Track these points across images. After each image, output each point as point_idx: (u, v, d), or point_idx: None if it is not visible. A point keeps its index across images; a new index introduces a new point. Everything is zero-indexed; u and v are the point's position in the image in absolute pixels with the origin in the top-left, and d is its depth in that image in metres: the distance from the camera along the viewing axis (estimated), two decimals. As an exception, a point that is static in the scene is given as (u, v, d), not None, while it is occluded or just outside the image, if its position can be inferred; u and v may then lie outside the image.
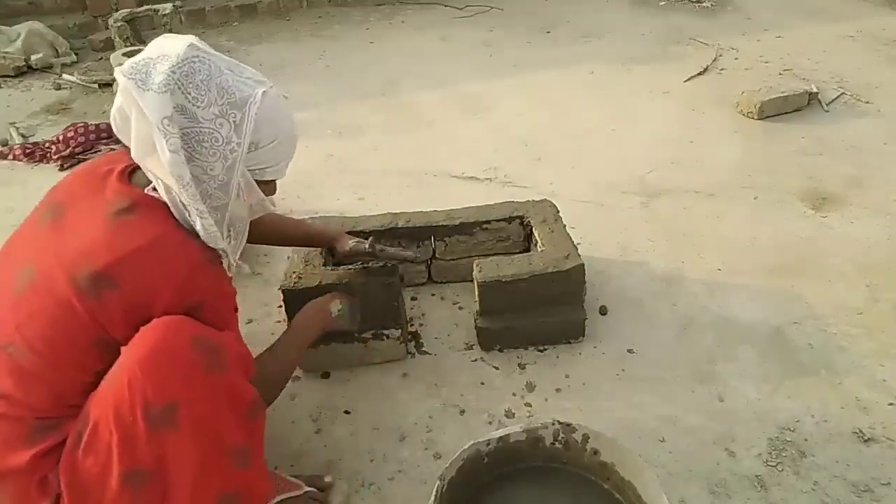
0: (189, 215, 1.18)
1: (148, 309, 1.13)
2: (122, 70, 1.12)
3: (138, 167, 1.22)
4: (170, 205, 1.19)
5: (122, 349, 1.11)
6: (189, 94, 1.11)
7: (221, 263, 1.25)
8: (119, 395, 1.07)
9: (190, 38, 1.16)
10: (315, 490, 1.50)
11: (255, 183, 1.24)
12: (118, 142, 1.23)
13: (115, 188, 1.19)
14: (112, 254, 1.11)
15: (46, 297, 1.12)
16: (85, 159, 2.93)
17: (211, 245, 1.21)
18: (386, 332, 1.84)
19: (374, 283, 1.79)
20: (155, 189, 1.19)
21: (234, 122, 1.15)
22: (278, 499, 1.45)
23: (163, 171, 1.13)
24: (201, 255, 1.19)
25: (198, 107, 1.12)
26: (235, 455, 1.18)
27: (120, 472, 1.08)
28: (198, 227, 1.18)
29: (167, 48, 1.14)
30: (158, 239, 1.15)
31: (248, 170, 1.21)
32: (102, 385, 1.11)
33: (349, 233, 2.02)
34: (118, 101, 1.15)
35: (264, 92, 1.18)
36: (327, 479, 1.53)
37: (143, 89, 1.09)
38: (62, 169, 2.98)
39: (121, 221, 1.14)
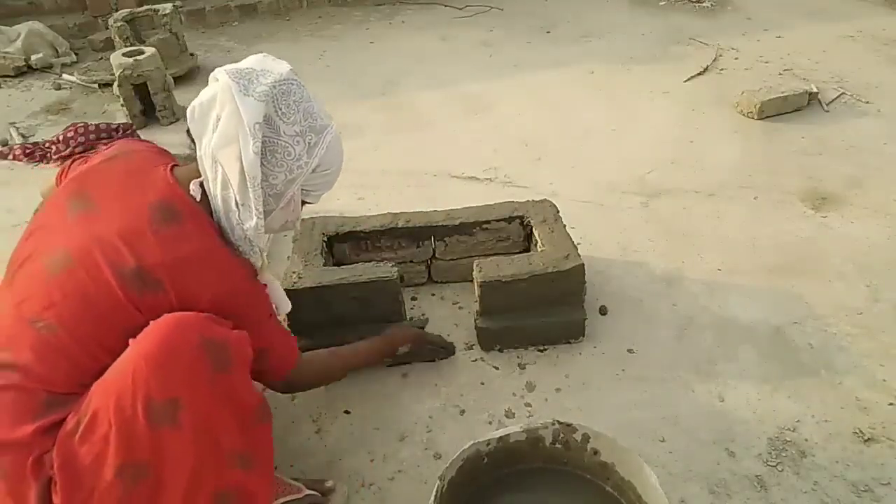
0: (238, 215, 1.25)
1: (190, 311, 1.17)
2: (227, 71, 1.26)
3: (175, 165, 1.32)
4: (215, 204, 1.27)
5: (131, 341, 1.12)
6: (280, 109, 1.25)
7: (258, 280, 1.34)
8: (122, 388, 1.08)
9: (287, 64, 1.33)
10: (316, 494, 1.50)
11: (300, 200, 1.37)
12: (143, 141, 1.27)
13: (161, 185, 1.26)
14: (161, 256, 1.17)
15: (85, 279, 1.15)
16: (85, 159, 2.93)
17: (254, 242, 1.29)
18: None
19: (373, 282, 1.79)
20: (201, 185, 1.27)
21: (310, 143, 1.30)
22: (278, 502, 1.45)
23: (232, 166, 1.22)
24: (244, 273, 1.29)
25: (283, 122, 1.26)
26: (234, 457, 1.18)
27: (115, 464, 1.08)
28: (247, 226, 1.26)
29: (270, 66, 1.30)
30: (207, 251, 1.23)
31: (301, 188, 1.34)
32: (107, 375, 1.12)
33: (349, 232, 2.03)
34: (204, 97, 1.26)
35: (334, 126, 1.36)
36: (328, 483, 1.53)
37: (244, 94, 1.22)
38: (62, 169, 2.98)
39: (169, 225, 1.21)
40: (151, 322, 1.13)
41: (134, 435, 1.08)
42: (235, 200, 1.25)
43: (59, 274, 1.17)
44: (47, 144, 3.17)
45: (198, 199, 1.27)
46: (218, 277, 1.23)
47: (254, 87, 1.23)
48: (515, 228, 2.10)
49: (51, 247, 1.21)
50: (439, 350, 1.89)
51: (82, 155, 1.40)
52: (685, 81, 3.65)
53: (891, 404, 1.72)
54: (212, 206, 1.28)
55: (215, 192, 1.26)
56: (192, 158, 1.31)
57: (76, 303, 1.15)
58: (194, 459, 1.13)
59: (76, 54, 4.42)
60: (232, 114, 1.22)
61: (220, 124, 1.23)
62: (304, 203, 1.41)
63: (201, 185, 1.28)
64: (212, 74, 1.29)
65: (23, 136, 3.40)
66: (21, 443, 1.10)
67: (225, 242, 1.28)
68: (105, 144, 3.08)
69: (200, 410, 1.12)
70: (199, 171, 1.29)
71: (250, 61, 1.31)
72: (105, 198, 1.24)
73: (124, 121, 3.32)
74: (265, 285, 1.38)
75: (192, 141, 1.29)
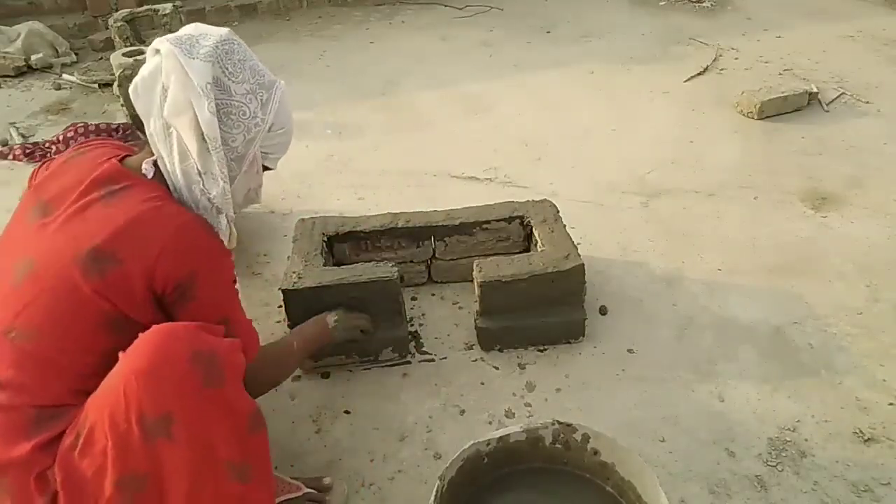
0: (203, 184, 1.23)
1: (150, 277, 1.16)
2: (167, 39, 1.23)
3: (126, 156, 1.29)
4: (174, 180, 1.25)
5: (120, 354, 1.11)
6: (227, 69, 1.24)
7: (215, 232, 1.29)
8: (115, 403, 1.07)
9: (224, 28, 1.31)
10: (314, 492, 1.50)
11: (261, 164, 1.34)
12: (107, 140, 1.26)
13: (108, 175, 1.23)
14: (108, 228, 1.15)
15: (49, 281, 1.15)
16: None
17: (222, 209, 1.27)
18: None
19: (374, 282, 1.79)
20: (154, 164, 1.25)
21: (262, 100, 1.28)
22: (278, 500, 1.45)
23: (189, 133, 1.20)
24: (196, 222, 1.24)
25: (233, 81, 1.24)
26: (232, 469, 1.17)
27: (114, 477, 1.08)
28: (213, 194, 1.24)
29: (208, 30, 1.28)
30: (152, 207, 1.20)
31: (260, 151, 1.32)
32: (100, 390, 1.11)
33: (349, 232, 2.03)
34: (145, 71, 1.24)
35: (282, 82, 1.33)
36: (326, 480, 1.53)
37: (189, 56, 1.20)
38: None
39: (115, 199, 1.19)
40: (140, 335, 1.11)
41: (130, 448, 1.07)
42: (197, 170, 1.23)
43: (24, 281, 1.16)
44: (47, 144, 3.17)
45: (150, 177, 1.25)
46: (168, 231, 1.19)
47: (197, 50, 1.22)
48: (515, 228, 2.10)
49: (14, 258, 1.20)
50: (361, 323, 1.81)
51: (47, 160, 1.38)
52: (685, 81, 3.65)
53: (891, 404, 1.72)
54: (170, 183, 1.26)
55: (173, 167, 1.24)
56: (143, 145, 1.29)
57: (43, 304, 1.14)
58: (191, 470, 1.11)
59: (76, 54, 4.42)
60: (180, 80, 1.20)
61: (170, 93, 1.20)
62: (265, 168, 1.39)
63: (154, 164, 1.26)
64: (149, 48, 1.27)
65: (23, 136, 3.40)
66: (21, 461, 1.10)
67: (182, 203, 1.26)
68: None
69: (193, 423, 1.10)
70: (150, 152, 1.26)
71: (186, 29, 1.30)
72: (61, 199, 1.23)
73: (124, 121, 3.32)
74: (230, 251, 1.33)
75: (136, 126, 1.27)
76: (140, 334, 1.12)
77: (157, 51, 1.24)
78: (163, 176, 1.26)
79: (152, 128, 1.24)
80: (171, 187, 1.26)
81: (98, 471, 1.08)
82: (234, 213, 1.33)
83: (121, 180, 1.22)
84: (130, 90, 1.25)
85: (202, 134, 1.20)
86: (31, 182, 1.35)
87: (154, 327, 1.12)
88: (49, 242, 1.18)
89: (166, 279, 1.17)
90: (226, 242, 1.31)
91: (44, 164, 1.36)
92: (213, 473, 1.15)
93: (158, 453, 1.09)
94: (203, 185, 1.24)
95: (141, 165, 1.26)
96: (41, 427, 1.12)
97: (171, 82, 1.21)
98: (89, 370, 1.15)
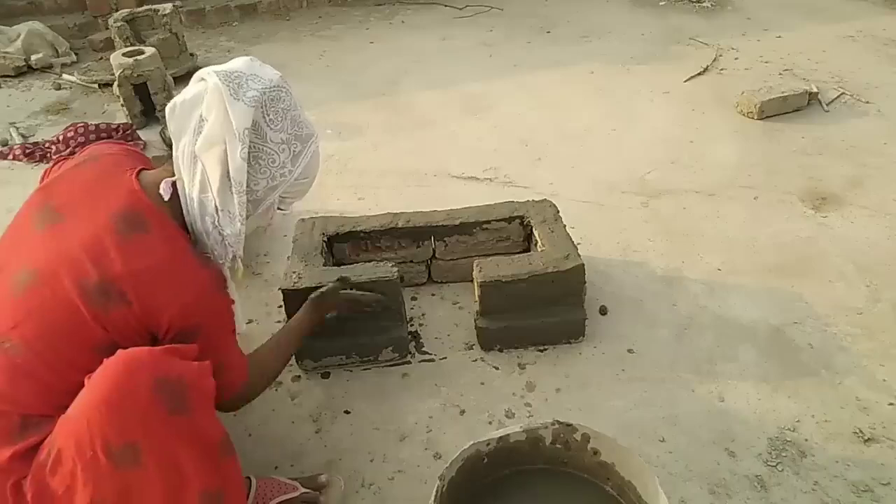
0: (218, 220, 1.22)
1: (155, 324, 1.15)
2: (216, 73, 1.22)
3: (143, 169, 1.28)
4: (189, 206, 1.23)
5: (86, 380, 1.08)
6: (268, 115, 1.24)
7: (227, 290, 1.29)
8: (79, 432, 1.05)
9: (276, 71, 1.31)
10: (311, 492, 1.50)
11: (276, 207, 1.35)
12: (117, 142, 1.25)
13: (124, 192, 1.21)
14: (124, 267, 1.14)
15: (49, 298, 1.13)
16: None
17: (231, 248, 1.26)
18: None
19: (374, 282, 1.79)
20: (173, 185, 1.23)
21: (294, 151, 1.29)
22: (275, 501, 1.45)
23: (214, 168, 1.20)
24: (212, 283, 1.24)
25: (271, 129, 1.24)
26: (207, 498, 1.14)
27: (86, 499, 1.06)
28: (227, 232, 1.23)
29: (259, 71, 1.27)
30: (173, 261, 1.19)
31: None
32: (68, 413, 1.08)
33: (349, 232, 2.03)
34: (187, 95, 1.24)
35: (318, 136, 1.35)
36: (322, 477, 1.53)
37: (234, 98, 1.20)
38: (62, 169, 2.98)
39: (133, 235, 1.17)
40: (105, 360, 1.09)
41: (99, 474, 1.05)
42: (215, 205, 1.21)
43: (24, 292, 1.14)
44: (47, 144, 3.17)
45: (166, 198, 1.23)
46: (183, 288, 1.18)
47: (244, 92, 1.21)
48: (515, 228, 2.10)
49: (16, 263, 1.18)
50: (371, 302, 1.78)
51: (59, 158, 1.37)
52: (685, 81, 3.65)
53: (891, 404, 1.72)
54: (184, 207, 1.24)
55: (192, 193, 1.22)
56: (165, 160, 1.28)
57: (39, 323, 1.13)
58: (164, 497, 1.09)
59: (76, 54, 4.42)
60: (220, 116, 1.19)
61: (207, 126, 1.20)
62: (278, 209, 1.38)
63: (173, 184, 1.24)
64: (196, 74, 1.26)
65: (23, 136, 3.40)
66: (0, 467, 1.09)
67: (194, 248, 1.24)
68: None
69: (161, 451, 1.08)
70: (171, 171, 1.25)
71: (238, 64, 1.28)
72: (70, 208, 1.21)
73: (124, 121, 3.32)
74: (233, 301, 1.32)
75: (165, 141, 1.27)
76: (104, 360, 1.09)
77: (203, 79, 1.24)
78: (178, 199, 1.24)
79: (180, 151, 1.23)
80: (185, 211, 1.24)
81: (68, 489, 1.07)
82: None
83: (138, 208, 1.20)
84: (168, 108, 1.25)
85: (228, 174, 1.20)
86: (46, 176, 1.35)
87: (119, 352, 1.09)
88: (55, 257, 1.15)
89: (169, 328, 1.16)
90: (230, 278, 1.31)
91: (56, 163, 1.35)
92: (187, 499, 1.12)
93: (128, 480, 1.07)
94: (218, 220, 1.23)
95: (158, 184, 1.24)
96: (24, 434, 1.11)
97: (210, 116, 1.20)
98: (76, 388, 1.12)
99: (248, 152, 1.20)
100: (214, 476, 1.15)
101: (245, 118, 1.19)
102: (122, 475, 1.06)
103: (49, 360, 1.12)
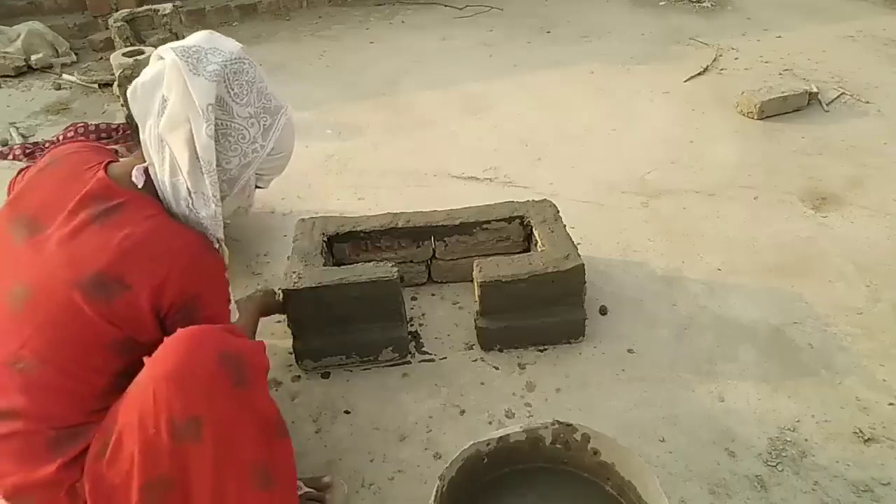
0: (191, 203, 1.19)
1: (157, 300, 1.14)
2: (173, 48, 1.17)
3: (109, 162, 1.24)
4: (163, 191, 1.20)
5: (146, 360, 1.09)
6: (233, 89, 1.18)
7: (217, 251, 1.27)
8: (144, 407, 1.06)
9: (237, 42, 1.25)
10: (314, 491, 1.50)
11: (254, 186, 1.30)
12: (117, 143, 1.24)
13: (99, 191, 1.18)
14: (110, 251, 1.12)
15: (49, 308, 1.12)
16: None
17: (209, 231, 1.23)
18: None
19: (374, 282, 1.79)
20: (145, 171, 1.20)
21: (264, 125, 1.24)
22: None
23: (182, 149, 1.15)
24: (200, 242, 1.21)
25: (237, 103, 1.19)
26: (255, 472, 1.15)
27: (140, 482, 1.07)
28: (202, 215, 1.20)
29: (219, 43, 1.21)
30: (159, 230, 1.17)
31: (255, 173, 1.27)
32: (127, 395, 1.10)
33: (349, 232, 2.02)
34: (147, 76, 1.19)
35: (289, 108, 1.29)
36: (325, 479, 1.53)
37: (194, 73, 1.15)
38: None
39: (111, 219, 1.15)
40: (165, 339, 1.10)
41: (157, 453, 1.07)
42: (187, 187, 1.18)
43: (23, 309, 1.13)
44: (47, 144, 3.17)
45: (140, 185, 1.20)
46: (177, 253, 1.16)
47: (203, 66, 1.15)
48: (515, 228, 2.10)
49: (4, 281, 1.16)
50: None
51: (22, 169, 1.31)
52: (685, 81, 3.65)
53: (891, 404, 1.72)
54: (159, 193, 1.21)
55: (163, 178, 1.19)
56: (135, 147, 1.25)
57: (47, 335, 1.11)
58: (215, 471, 1.10)
59: (76, 54, 4.42)
60: (181, 94, 1.14)
61: (169, 105, 1.15)
62: (256, 187, 1.35)
63: (145, 170, 1.21)
64: (155, 52, 1.22)
65: (23, 136, 3.40)
66: (48, 480, 1.09)
67: (180, 221, 1.22)
68: (105, 144, 3.09)
69: (223, 424, 1.09)
70: (142, 157, 1.22)
71: (197, 38, 1.22)
72: (44, 214, 1.18)
73: (124, 121, 3.32)
74: (224, 260, 1.30)
75: (130, 125, 1.25)
76: (165, 338, 1.10)
77: (162, 58, 1.19)
78: (153, 184, 1.21)
79: (146, 134, 1.19)
80: (161, 196, 1.22)
81: (126, 477, 1.08)
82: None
83: (113, 196, 1.17)
84: (129, 91, 1.20)
85: (196, 154, 1.16)
86: (12, 187, 1.31)
87: (179, 331, 1.10)
88: (44, 267, 1.14)
89: (172, 301, 1.15)
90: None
91: (20, 173, 1.30)
92: (237, 473, 1.13)
93: (185, 456, 1.08)
94: (192, 203, 1.19)
95: (129, 173, 1.21)
96: (63, 446, 1.11)
97: (171, 95, 1.16)
98: (102, 390, 1.14)
99: (215, 129, 1.16)
100: (266, 452, 1.16)
101: (207, 94, 1.14)
102: (180, 452, 1.07)
103: (66, 369, 1.12)
